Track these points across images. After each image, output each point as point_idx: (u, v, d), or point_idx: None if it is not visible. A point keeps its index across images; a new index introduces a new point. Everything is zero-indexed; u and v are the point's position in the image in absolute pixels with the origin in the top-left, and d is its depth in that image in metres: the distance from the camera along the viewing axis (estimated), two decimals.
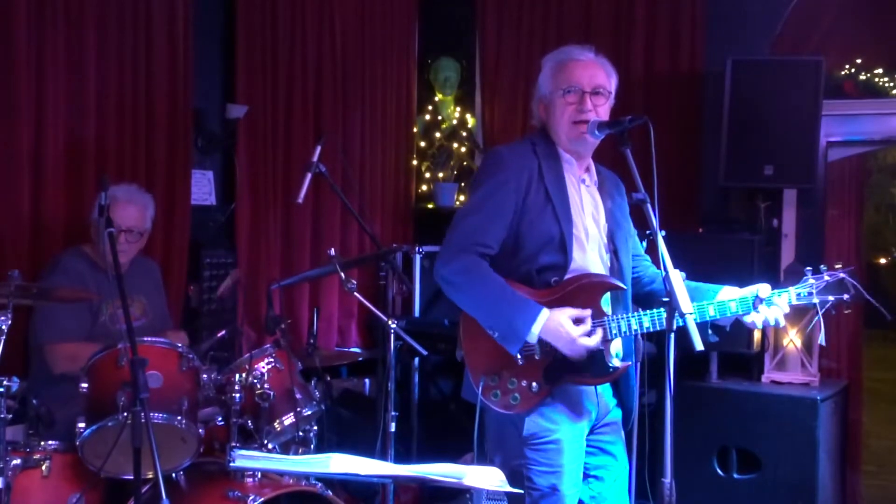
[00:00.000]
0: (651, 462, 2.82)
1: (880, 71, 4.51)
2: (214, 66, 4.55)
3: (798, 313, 4.20)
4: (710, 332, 2.77)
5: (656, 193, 2.49)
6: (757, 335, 4.23)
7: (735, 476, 4.10)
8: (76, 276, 3.40)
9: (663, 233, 2.53)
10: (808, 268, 2.70)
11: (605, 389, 2.84)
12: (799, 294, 2.68)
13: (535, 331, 2.60)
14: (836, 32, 4.59)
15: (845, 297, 2.65)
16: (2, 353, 2.64)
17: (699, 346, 2.37)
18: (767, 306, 2.65)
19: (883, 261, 11.72)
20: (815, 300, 2.67)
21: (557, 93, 2.76)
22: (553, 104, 2.77)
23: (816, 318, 2.68)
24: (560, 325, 2.60)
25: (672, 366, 2.42)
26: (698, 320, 2.59)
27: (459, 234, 2.71)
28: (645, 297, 2.90)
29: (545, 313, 2.61)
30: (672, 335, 2.45)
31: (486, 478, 2.26)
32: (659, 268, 2.48)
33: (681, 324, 2.37)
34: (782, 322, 2.70)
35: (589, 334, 2.62)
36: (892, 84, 4.49)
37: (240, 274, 3.88)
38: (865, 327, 4.77)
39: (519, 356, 2.66)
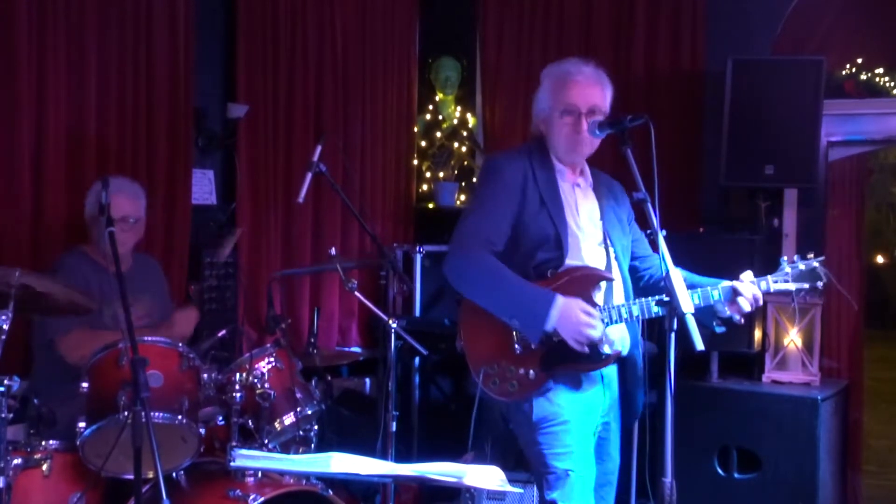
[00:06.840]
0: (652, 461, 2.83)
1: (881, 70, 4.50)
2: (215, 65, 4.54)
3: (799, 313, 4.22)
4: (715, 324, 2.86)
5: (657, 193, 2.51)
6: (758, 335, 4.23)
7: (736, 476, 4.10)
8: (80, 276, 3.39)
9: (664, 232, 2.55)
10: (784, 257, 2.89)
11: (611, 378, 2.91)
12: (776, 281, 2.84)
13: (554, 314, 2.68)
14: (836, 32, 4.59)
15: (819, 284, 2.85)
16: (2, 352, 2.64)
17: (700, 346, 2.39)
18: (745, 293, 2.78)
19: (880, 259, 11.72)
20: (792, 287, 2.84)
21: (556, 112, 2.89)
22: (551, 121, 2.91)
23: (793, 305, 2.95)
24: (572, 311, 2.69)
25: (673, 365, 2.43)
26: None
27: (466, 233, 2.84)
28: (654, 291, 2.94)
29: (560, 299, 2.70)
30: (672, 335, 2.46)
31: (486, 477, 2.26)
32: (660, 266, 2.52)
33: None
34: (761, 301, 2.82)
35: (594, 327, 2.70)
36: (892, 84, 4.48)
37: (242, 231, 3.89)
38: (866, 327, 4.76)
39: (517, 346, 2.76)
